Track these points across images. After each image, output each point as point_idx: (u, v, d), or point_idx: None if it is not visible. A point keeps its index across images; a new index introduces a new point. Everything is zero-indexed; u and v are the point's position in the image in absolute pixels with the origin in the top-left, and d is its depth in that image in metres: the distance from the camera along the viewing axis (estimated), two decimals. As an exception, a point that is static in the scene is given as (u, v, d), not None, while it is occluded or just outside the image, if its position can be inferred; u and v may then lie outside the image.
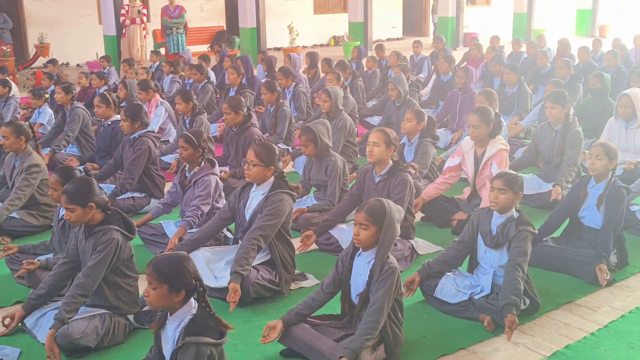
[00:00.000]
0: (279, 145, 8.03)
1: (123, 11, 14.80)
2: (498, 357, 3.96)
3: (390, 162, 5.23)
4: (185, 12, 15.50)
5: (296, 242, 5.22)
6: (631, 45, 13.83)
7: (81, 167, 5.06)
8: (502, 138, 5.98)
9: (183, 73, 11.59)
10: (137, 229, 5.38)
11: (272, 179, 4.73)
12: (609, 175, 5.02)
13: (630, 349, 4.02)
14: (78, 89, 10.81)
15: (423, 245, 5.53)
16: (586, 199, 5.09)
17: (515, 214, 4.36)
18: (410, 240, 5.39)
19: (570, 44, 13.69)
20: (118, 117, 6.96)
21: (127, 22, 14.65)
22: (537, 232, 4.39)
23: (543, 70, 11.47)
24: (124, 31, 14.84)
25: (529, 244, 4.22)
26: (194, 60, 12.64)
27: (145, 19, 15.09)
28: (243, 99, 7.13)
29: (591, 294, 4.73)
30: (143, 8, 14.96)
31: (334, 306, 4.10)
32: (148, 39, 18.38)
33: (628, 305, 4.55)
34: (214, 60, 13.68)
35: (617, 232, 4.92)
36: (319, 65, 11.91)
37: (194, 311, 3.05)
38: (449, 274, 4.55)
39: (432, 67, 13.08)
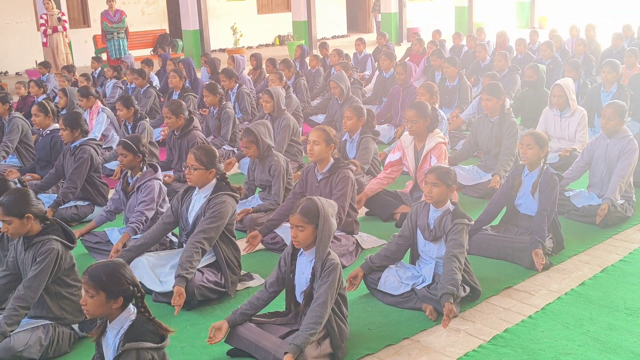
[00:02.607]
0: (223, 147, 8.05)
1: (42, 20, 14.56)
2: (440, 344, 4.06)
3: (332, 160, 5.31)
4: (126, 16, 15.33)
5: (242, 243, 5.26)
6: (568, 36, 14.19)
7: (16, 179, 4.99)
8: (440, 132, 6.11)
9: (125, 78, 11.48)
10: (81, 237, 5.43)
11: (214, 181, 4.75)
12: (541, 163, 5.19)
13: (566, 329, 4.18)
14: (17, 98, 10.64)
15: (367, 240, 5.62)
16: (520, 187, 5.26)
17: (451, 207, 4.47)
18: (354, 235, 5.48)
19: (508, 36, 14.01)
20: (57, 125, 6.88)
21: (49, 31, 14.43)
22: (472, 223, 4.52)
23: (483, 63, 11.73)
24: (44, 40, 14.61)
25: (464, 236, 4.34)
26: (137, 65, 12.53)
27: (67, 25, 14.89)
28: (184, 103, 7.12)
29: (529, 278, 4.89)
30: (62, 15, 14.74)
31: (279, 304, 4.16)
32: (89, 44, 18.18)
33: (564, 288, 4.72)
34: (157, 65, 13.57)
35: (551, 218, 5.09)
36: (264, 65, 11.95)
37: (133, 317, 3.06)
38: (391, 266, 4.64)
39: (376, 63, 13.23)
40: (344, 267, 5.01)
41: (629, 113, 8.50)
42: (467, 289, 4.46)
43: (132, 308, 3.10)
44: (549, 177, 5.11)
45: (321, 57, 12.95)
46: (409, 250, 4.70)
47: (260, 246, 5.49)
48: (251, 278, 4.98)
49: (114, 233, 5.45)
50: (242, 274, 4.91)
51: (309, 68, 12.27)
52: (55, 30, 14.50)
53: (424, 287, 4.44)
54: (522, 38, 12.67)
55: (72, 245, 4.06)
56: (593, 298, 4.56)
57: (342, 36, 25.94)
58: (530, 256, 4.92)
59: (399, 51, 16.67)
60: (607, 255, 5.25)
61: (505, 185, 5.39)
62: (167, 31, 20.47)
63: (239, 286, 4.84)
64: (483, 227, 5.37)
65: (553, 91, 7.41)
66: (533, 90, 8.62)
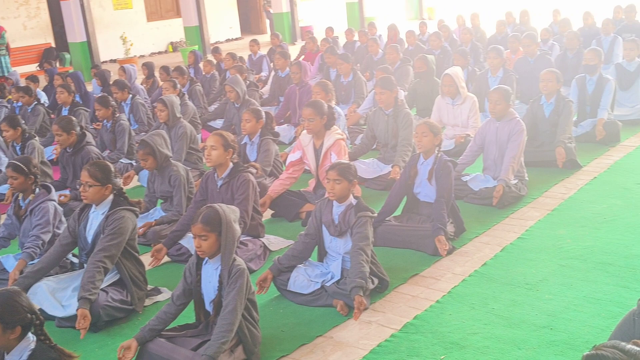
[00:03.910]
0: (120, 160, 7.84)
1: None
2: (353, 337, 4.11)
3: (231, 164, 5.26)
4: (6, 31, 14.70)
5: (147, 257, 5.14)
6: (455, 25, 14.67)
7: None
8: (337, 128, 6.17)
9: (10, 97, 10.97)
10: (-27, 268, 5.14)
11: (111, 197, 4.62)
12: (436, 151, 5.34)
13: (472, 309, 4.31)
14: None
15: (275, 242, 5.61)
16: (417, 176, 5.40)
17: (354, 201, 4.53)
18: (261, 239, 5.46)
19: (399, 29, 14.33)
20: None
21: None
22: (376, 215, 4.60)
23: (375, 57, 11.95)
24: None
25: (369, 228, 4.41)
26: (23, 82, 12.01)
27: None
28: (74, 118, 6.87)
29: (434, 264, 5.01)
30: None
31: (189, 315, 4.09)
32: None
33: (467, 270, 4.87)
34: (44, 80, 13.05)
35: (449, 203, 5.25)
36: (157, 74, 11.72)
37: (33, 346, 2.92)
38: (299, 265, 4.66)
39: (271, 64, 13.23)
40: (253, 271, 5.00)
41: (517, 95, 8.91)
42: (376, 280, 4.53)
43: (31, 337, 2.96)
44: (443, 164, 5.27)
45: (215, 62, 12.82)
46: (316, 248, 4.73)
47: (166, 259, 5.37)
48: (159, 292, 4.87)
49: (9, 260, 5.19)
50: (148, 289, 4.79)
51: (203, 73, 12.13)
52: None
53: (334, 283, 4.48)
54: (411, 30, 13.01)
55: (-39, 278, 3.84)
56: (495, 277, 4.73)
57: (236, 39, 25.80)
58: (434, 243, 5.05)
59: (294, 50, 16.77)
60: (506, 235, 5.46)
61: (404, 175, 5.51)
62: (53, 45, 19.73)
63: (147, 302, 4.72)
64: (386, 218, 5.47)
65: (443, 81, 7.63)
66: (424, 80, 8.86)
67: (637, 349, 2.03)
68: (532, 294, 4.43)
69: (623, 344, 2.05)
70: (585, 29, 12.08)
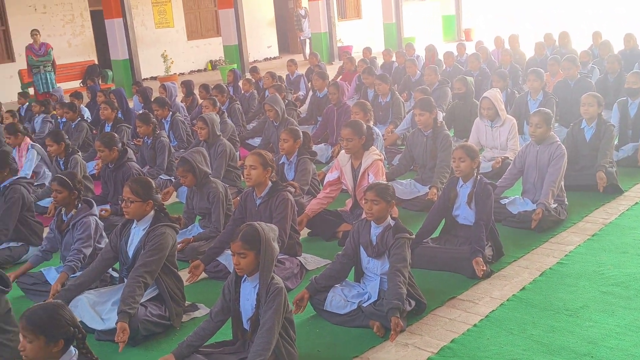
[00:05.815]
0: (160, 176, 7.95)
1: None
2: (390, 360, 4.09)
3: (270, 183, 5.30)
4: (52, 49, 15.04)
5: (185, 273, 5.19)
6: (493, 47, 14.60)
7: None
8: (375, 149, 6.18)
9: (55, 112, 11.22)
10: (16, 279, 5.26)
11: (152, 213, 4.68)
12: (475, 174, 5.31)
13: (510, 334, 4.26)
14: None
15: (312, 261, 5.62)
16: (457, 198, 5.36)
17: (392, 222, 4.52)
18: (298, 257, 5.47)
19: (437, 50, 14.32)
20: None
21: None
22: (414, 236, 4.58)
23: (413, 78, 11.95)
24: None
25: (407, 250, 4.40)
26: (66, 98, 12.28)
27: None
28: (116, 135, 7.01)
29: (472, 287, 4.97)
30: None
31: (226, 332, 4.11)
32: (15, 79, 17.74)
33: (506, 294, 4.82)
34: (86, 97, 13.33)
35: (488, 226, 5.20)
36: (196, 92, 11.90)
37: (75, 359, 2.97)
38: (336, 285, 4.65)
39: (309, 83, 13.32)
40: (289, 290, 5.01)
41: (556, 119, 8.81)
42: (413, 302, 4.50)
43: (73, 350, 3.01)
44: (483, 187, 5.23)
45: (253, 80, 12.96)
46: (353, 268, 4.72)
47: (204, 275, 5.42)
48: (196, 308, 4.91)
49: (51, 273, 5.29)
50: (186, 305, 4.84)
51: (242, 92, 12.26)
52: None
53: (370, 304, 4.46)
54: (449, 51, 12.98)
55: (6, 289, 3.92)
56: (534, 302, 4.66)
57: (274, 58, 26.05)
58: (472, 265, 5.00)
59: (332, 70, 16.86)
60: (545, 259, 5.38)
61: (442, 198, 5.48)
62: (96, 62, 20.15)
63: (184, 318, 4.76)
64: (424, 240, 5.44)
65: (482, 104, 7.60)
66: (463, 102, 8.84)
67: None
68: (572, 320, 4.36)
69: None
70: (626, 51, 11.93)
